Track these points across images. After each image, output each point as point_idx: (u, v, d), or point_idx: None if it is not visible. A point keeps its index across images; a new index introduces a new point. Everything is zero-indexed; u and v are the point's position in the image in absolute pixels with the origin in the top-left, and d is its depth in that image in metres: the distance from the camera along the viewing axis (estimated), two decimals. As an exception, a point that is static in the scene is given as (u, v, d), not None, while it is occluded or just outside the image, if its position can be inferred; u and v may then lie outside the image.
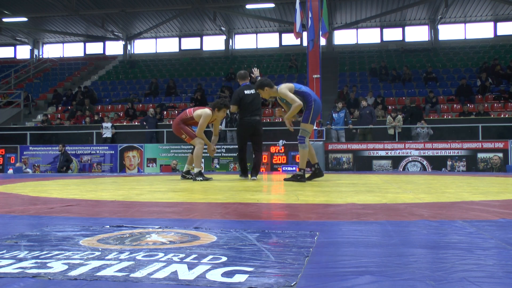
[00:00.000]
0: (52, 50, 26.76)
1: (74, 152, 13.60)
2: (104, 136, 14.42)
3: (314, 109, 5.57)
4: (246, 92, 6.53)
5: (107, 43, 26.23)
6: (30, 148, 14.08)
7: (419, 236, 1.80)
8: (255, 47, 24.73)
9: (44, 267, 1.24)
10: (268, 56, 23.42)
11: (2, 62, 26.09)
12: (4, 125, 17.57)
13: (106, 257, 1.36)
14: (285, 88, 5.56)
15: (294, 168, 10.70)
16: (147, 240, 1.65)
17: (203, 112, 6.45)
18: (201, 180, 6.14)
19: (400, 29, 23.56)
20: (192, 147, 6.88)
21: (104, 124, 14.64)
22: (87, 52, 26.58)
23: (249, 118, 6.50)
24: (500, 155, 11.38)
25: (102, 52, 26.44)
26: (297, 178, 5.65)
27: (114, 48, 26.15)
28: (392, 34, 23.63)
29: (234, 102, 6.56)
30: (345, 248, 1.53)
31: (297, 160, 10.99)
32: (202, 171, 6.55)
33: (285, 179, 5.84)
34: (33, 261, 1.31)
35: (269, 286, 1.07)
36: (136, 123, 16.15)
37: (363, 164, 11.98)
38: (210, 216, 2.45)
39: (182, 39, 25.43)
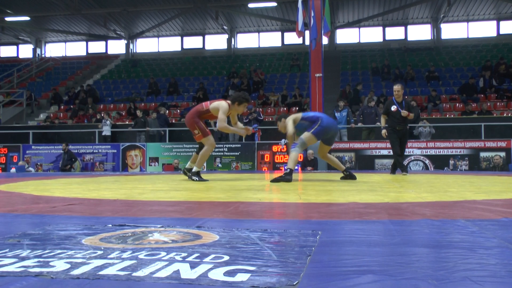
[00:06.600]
0: (54, 49, 26.79)
1: (76, 151, 13.63)
2: (104, 134, 14.43)
3: (324, 125, 5.78)
4: (393, 107, 7.89)
5: (109, 42, 26.24)
6: (33, 147, 14.11)
7: (421, 235, 1.79)
8: (257, 46, 24.70)
9: (46, 266, 1.24)
10: (270, 55, 23.39)
11: (4, 61, 26.13)
12: (6, 124, 17.60)
13: (109, 256, 1.36)
14: (290, 119, 5.97)
15: (296, 168, 10.70)
16: (149, 239, 1.65)
17: (220, 104, 6.06)
18: (196, 180, 5.91)
19: (403, 28, 23.50)
20: (197, 146, 6.54)
21: (104, 121, 14.67)
22: (89, 51, 26.59)
23: (396, 127, 7.95)
24: (503, 154, 11.35)
25: (104, 51, 26.45)
26: (283, 177, 5.40)
27: (116, 47, 26.16)
28: (395, 33, 23.57)
29: (383, 111, 8.10)
30: (347, 247, 1.52)
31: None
32: (202, 171, 6.41)
33: (272, 180, 5.47)
34: (36, 260, 1.32)
35: (271, 285, 1.07)
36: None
37: (365, 163, 11.96)
38: (212, 215, 2.45)
39: (184, 38, 25.42)
